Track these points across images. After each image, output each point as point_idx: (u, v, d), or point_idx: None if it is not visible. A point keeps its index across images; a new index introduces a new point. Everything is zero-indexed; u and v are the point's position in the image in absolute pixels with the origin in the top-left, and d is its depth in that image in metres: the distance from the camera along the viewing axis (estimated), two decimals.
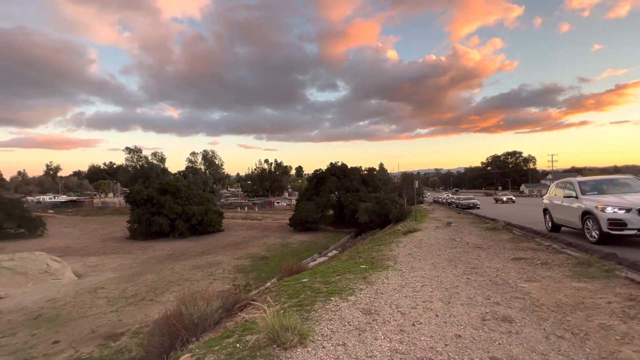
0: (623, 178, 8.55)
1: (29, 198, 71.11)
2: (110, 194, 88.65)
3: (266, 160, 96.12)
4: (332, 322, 3.48)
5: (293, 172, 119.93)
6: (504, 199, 36.10)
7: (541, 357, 2.65)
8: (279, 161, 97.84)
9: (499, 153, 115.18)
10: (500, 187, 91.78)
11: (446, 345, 2.92)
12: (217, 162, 79.02)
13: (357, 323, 3.46)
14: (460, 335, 3.12)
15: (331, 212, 45.45)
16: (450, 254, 7.44)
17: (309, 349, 2.88)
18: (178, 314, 4.51)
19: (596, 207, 7.08)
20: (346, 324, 3.45)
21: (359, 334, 3.18)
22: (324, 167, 48.25)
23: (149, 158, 66.51)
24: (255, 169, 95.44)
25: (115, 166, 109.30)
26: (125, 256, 27.24)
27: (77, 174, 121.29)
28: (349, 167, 47.77)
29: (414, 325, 3.40)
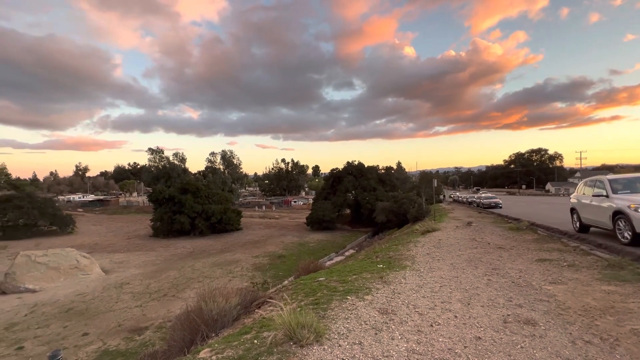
0: None
1: (60, 197, 75.07)
2: (135, 194, 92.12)
3: (283, 160, 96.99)
4: (349, 321, 3.48)
5: (310, 171, 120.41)
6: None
7: None
8: (295, 160, 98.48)
9: (523, 150, 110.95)
10: (524, 186, 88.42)
11: (465, 347, 2.86)
12: (235, 162, 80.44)
13: (373, 322, 3.44)
14: (480, 338, 3.04)
15: (348, 211, 45.30)
16: (470, 255, 7.25)
17: (325, 347, 2.89)
18: (198, 309, 4.64)
19: (629, 207, 6.69)
20: (362, 323, 3.43)
21: (376, 334, 3.16)
22: (340, 166, 48.12)
23: (171, 158, 68.53)
24: (272, 169, 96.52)
25: (138, 166, 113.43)
26: (149, 253, 28.24)
27: (103, 174, 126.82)
28: (365, 166, 47.38)
29: (432, 326, 3.35)
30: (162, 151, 68.59)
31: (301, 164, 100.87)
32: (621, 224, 6.97)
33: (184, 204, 37.42)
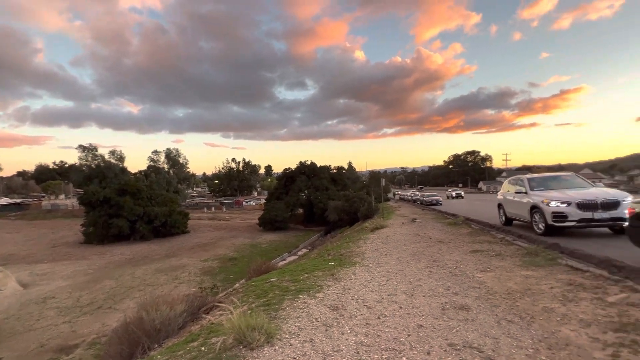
0: (565, 175, 9.43)
1: None
2: (62, 196, 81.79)
3: (234, 159, 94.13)
4: (300, 320, 3.50)
5: (262, 171, 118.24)
6: (454, 194, 38.46)
7: (493, 341, 2.86)
8: (247, 160, 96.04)
9: (460, 152, 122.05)
10: (460, 185, 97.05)
11: (409, 335, 3.06)
12: (181, 161, 75.78)
13: (324, 319, 3.51)
14: (421, 325, 3.27)
15: (301, 210, 45.44)
16: (414, 249, 7.75)
17: (276, 347, 2.88)
18: (138, 320, 4.30)
19: (542, 202, 7.75)
20: (314, 320, 3.48)
21: (326, 330, 3.23)
22: (293, 166, 48.08)
23: (106, 157, 62.19)
24: (222, 168, 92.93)
25: (67, 165, 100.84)
26: (80, 262, 25.31)
27: (21, 174, 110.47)
28: (318, 165, 47.96)
29: (379, 318, 3.52)
30: (95, 149, 61.92)
31: (253, 163, 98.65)
32: (537, 216, 8.03)
33: (123, 207, 34.24)
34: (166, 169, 71.13)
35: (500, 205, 10.66)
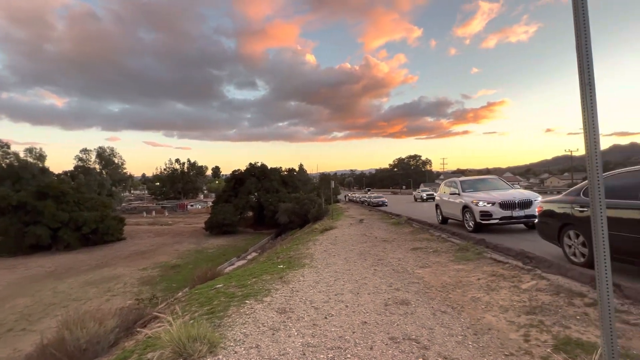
0: (490, 178, 10.60)
1: None
2: None
3: (177, 160, 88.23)
4: (246, 326, 3.42)
5: (209, 172, 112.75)
6: (424, 195, 33.02)
7: (429, 331, 3.10)
8: (192, 161, 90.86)
9: (403, 156, 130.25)
10: (404, 187, 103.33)
11: (353, 332, 3.17)
12: (116, 161, 69.04)
13: (271, 323, 3.47)
14: (366, 322, 3.41)
15: (251, 213, 44.36)
16: (361, 248, 8.05)
17: (220, 357, 2.77)
18: (59, 341, 3.81)
19: (472, 202, 8.61)
20: (260, 325, 3.43)
21: (273, 334, 3.20)
22: (243, 168, 46.77)
23: (22, 155, 53.91)
24: (165, 169, 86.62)
25: None
26: None
27: None
28: (269, 167, 47.32)
29: (326, 318, 3.59)
30: (7, 145, 53.33)
31: (199, 164, 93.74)
32: (467, 215, 8.89)
33: (42, 212, 30.03)
34: (98, 170, 64.12)
35: (437, 206, 11.59)
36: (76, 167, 61.20)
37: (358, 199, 43.42)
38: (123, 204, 67.32)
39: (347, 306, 3.94)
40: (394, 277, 5.15)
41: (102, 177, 60.53)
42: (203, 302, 4.60)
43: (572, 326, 2.91)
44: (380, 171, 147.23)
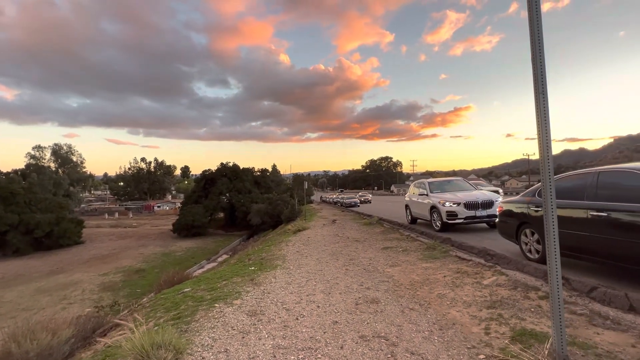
0: (456, 180, 11.10)
1: None
2: None
3: (143, 159, 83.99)
4: (215, 330, 3.32)
5: (178, 172, 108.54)
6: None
7: (397, 328, 3.18)
8: (160, 160, 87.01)
9: (375, 158, 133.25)
10: (376, 187, 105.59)
11: (324, 332, 3.19)
12: (75, 159, 64.56)
13: (241, 326, 3.41)
14: (337, 322, 3.44)
15: (222, 214, 43.27)
16: (333, 249, 8.12)
17: None
18: (5, 355, 3.49)
19: (439, 202, 8.97)
20: (230, 329, 3.35)
21: (243, 337, 3.14)
22: (214, 167, 45.52)
23: None
24: (129, 168, 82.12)
25: None
26: None
27: None
28: (241, 167, 46.39)
29: (297, 319, 3.58)
30: None
31: (167, 163, 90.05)
32: (435, 215, 9.25)
33: None
34: (53, 168, 59.58)
35: (407, 206, 11.95)
36: (28, 165, 56.37)
37: (331, 200, 43.73)
38: (82, 205, 63.03)
39: (318, 306, 3.95)
40: (365, 277, 5.24)
41: (58, 177, 56.21)
42: (169, 307, 4.42)
43: (527, 318, 3.12)
44: (353, 172, 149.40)
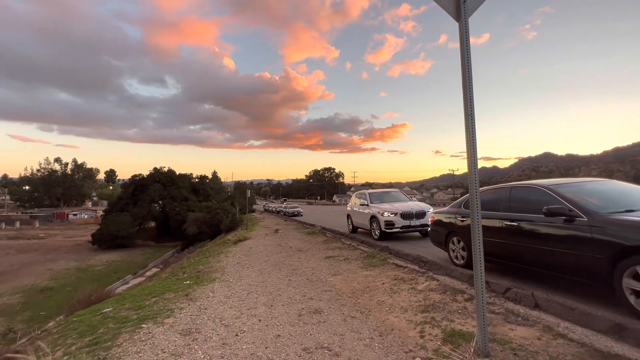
0: (393, 191, 11.85)
1: None
2: None
3: (58, 160, 73.20)
4: (141, 355, 2.96)
5: (101, 176, 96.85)
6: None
7: (340, 337, 3.20)
8: (80, 162, 76.74)
9: (319, 168, 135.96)
10: (319, 197, 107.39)
11: (266, 348, 3.06)
12: None
13: (173, 348, 3.09)
14: (279, 335, 3.34)
15: (153, 224, 39.61)
16: (276, 259, 7.95)
17: None
18: None
19: (379, 212, 9.44)
20: (160, 352, 3.01)
21: None
22: (145, 172, 41.67)
23: None
24: (39, 170, 70.71)
25: None
26: None
27: None
28: (177, 173, 43.31)
29: (237, 335, 3.38)
30: None
31: (89, 166, 79.79)
32: (374, 225, 9.70)
33: None
34: None
35: (349, 216, 12.34)
36: None
37: (274, 209, 43.14)
38: None
39: (260, 320, 3.79)
40: (308, 287, 5.21)
41: None
42: (84, 331, 3.83)
43: (455, 319, 3.40)
44: (296, 182, 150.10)
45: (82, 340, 3.50)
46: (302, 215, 29.74)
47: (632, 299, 2.97)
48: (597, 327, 2.85)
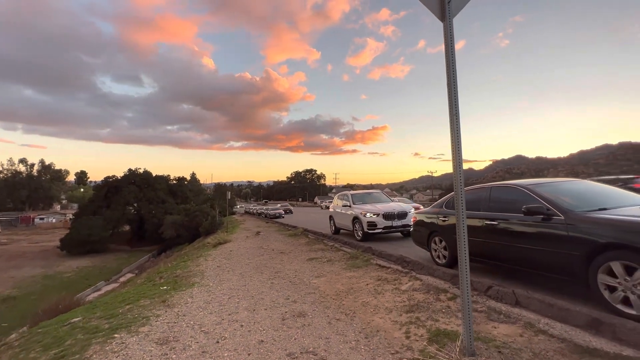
0: (375, 192, 11.93)
1: None
2: None
3: (23, 160, 69.02)
4: None
5: (71, 178, 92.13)
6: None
7: (325, 341, 3.13)
8: (47, 162, 72.67)
9: (300, 170, 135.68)
10: (300, 199, 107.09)
11: (249, 354, 2.94)
12: None
13: (148, 359, 2.91)
14: (262, 340, 3.22)
15: (128, 228, 38.04)
16: (258, 262, 7.78)
17: None
18: None
19: (361, 213, 9.46)
20: None
21: None
22: (119, 174, 40.03)
23: None
24: (0, 172, 66.35)
25: None
26: None
27: None
28: (153, 175, 41.83)
29: (218, 342, 3.24)
30: None
31: (57, 167, 75.76)
32: (357, 226, 9.71)
33: None
34: None
35: (331, 217, 12.31)
36: None
37: (255, 211, 42.50)
38: None
39: (242, 325, 3.66)
40: (291, 289, 5.11)
41: None
42: (49, 344, 3.55)
43: (440, 319, 3.41)
44: (278, 183, 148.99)
45: (47, 354, 3.23)
46: (284, 217, 29.40)
47: (606, 294, 3.08)
48: (575, 323, 2.93)
